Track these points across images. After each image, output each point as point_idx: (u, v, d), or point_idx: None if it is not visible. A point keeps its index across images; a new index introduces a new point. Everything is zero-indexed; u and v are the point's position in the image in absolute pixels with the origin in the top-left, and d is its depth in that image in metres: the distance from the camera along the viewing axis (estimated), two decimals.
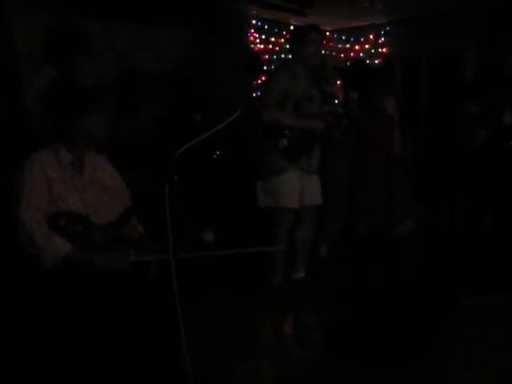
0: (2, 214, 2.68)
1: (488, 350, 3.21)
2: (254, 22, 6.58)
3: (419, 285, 3.65)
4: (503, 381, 2.95)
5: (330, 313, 3.78)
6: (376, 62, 6.93)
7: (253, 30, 6.60)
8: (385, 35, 6.95)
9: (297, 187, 4.12)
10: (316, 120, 4.10)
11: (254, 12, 6.42)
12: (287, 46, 6.55)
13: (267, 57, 6.67)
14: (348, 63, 5.79)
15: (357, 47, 7.15)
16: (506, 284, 4.06)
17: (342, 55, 7.20)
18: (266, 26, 6.68)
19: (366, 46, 7.09)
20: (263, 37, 6.67)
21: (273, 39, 6.72)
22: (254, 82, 6.26)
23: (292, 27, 6.63)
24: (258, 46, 6.63)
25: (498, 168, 4.73)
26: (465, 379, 2.94)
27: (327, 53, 7.11)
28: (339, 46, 7.26)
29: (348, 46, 7.22)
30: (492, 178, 4.78)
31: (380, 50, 6.99)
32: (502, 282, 4.12)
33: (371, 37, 7.05)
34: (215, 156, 5.27)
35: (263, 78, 6.12)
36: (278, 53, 6.63)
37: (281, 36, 6.76)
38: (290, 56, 4.40)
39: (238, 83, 6.05)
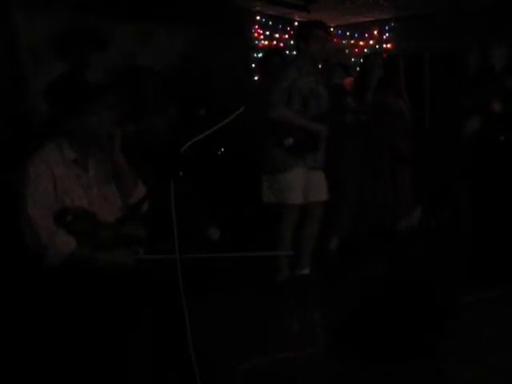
0: (6, 212, 2.69)
1: (488, 348, 3.20)
2: (258, 18, 6.57)
3: (421, 282, 3.64)
4: (504, 379, 2.94)
5: (333, 310, 3.78)
6: None
7: (257, 27, 6.59)
8: (389, 31, 6.92)
9: (302, 184, 4.11)
10: (321, 125, 4.09)
11: (258, 8, 6.41)
12: (291, 42, 6.55)
13: None
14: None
15: (361, 43, 7.12)
16: (507, 280, 4.06)
17: (347, 51, 7.18)
18: (270, 23, 6.66)
19: (371, 42, 7.06)
20: (267, 33, 6.66)
21: (277, 35, 6.71)
22: (256, 78, 6.25)
23: (296, 23, 6.62)
24: (263, 42, 6.62)
25: (489, 163, 4.73)
26: (465, 377, 2.93)
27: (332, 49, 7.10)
28: (343, 41, 7.24)
29: (352, 41, 7.19)
30: (485, 173, 4.78)
31: (384, 45, 6.96)
32: (503, 277, 4.11)
33: (375, 33, 7.02)
34: (220, 152, 5.26)
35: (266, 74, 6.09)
36: (283, 49, 6.62)
37: (285, 32, 6.74)
38: (295, 52, 4.39)
39: (242, 79, 6.05)
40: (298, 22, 6.27)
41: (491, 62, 4.87)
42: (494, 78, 4.81)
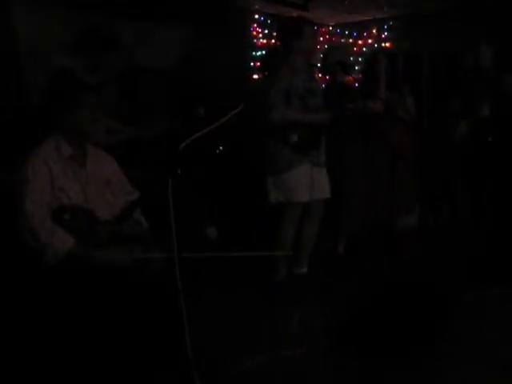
0: (5, 210, 2.68)
1: (489, 348, 3.20)
2: (256, 16, 6.57)
3: (420, 282, 3.64)
4: (504, 378, 2.93)
5: (331, 309, 3.77)
6: None
7: (255, 25, 6.58)
8: (388, 30, 6.92)
9: (307, 181, 4.10)
10: (321, 113, 4.10)
11: (257, 7, 6.40)
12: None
13: None
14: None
15: (360, 42, 7.12)
16: (507, 278, 4.06)
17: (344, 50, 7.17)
18: (269, 21, 6.65)
19: (369, 41, 7.05)
20: (266, 31, 6.65)
21: (275, 34, 6.69)
22: (256, 77, 6.25)
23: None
24: (261, 40, 6.62)
25: (483, 163, 4.75)
26: (465, 377, 2.92)
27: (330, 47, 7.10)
28: (342, 40, 7.23)
29: (351, 40, 7.19)
30: (482, 172, 4.80)
31: (383, 44, 6.95)
32: (503, 276, 4.12)
33: (374, 31, 7.02)
34: (218, 151, 5.26)
35: (266, 73, 6.09)
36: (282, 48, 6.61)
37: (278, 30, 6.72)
38: (287, 51, 4.31)
39: (241, 78, 6.04)
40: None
41: (480, 64, 4.88)
42: (482, 79, 4.82)
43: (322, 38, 7.10)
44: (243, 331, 3.40)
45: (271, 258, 4.25)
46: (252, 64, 6.41)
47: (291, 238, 4.20)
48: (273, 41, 6.67)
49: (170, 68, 5.34)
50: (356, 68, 6.86)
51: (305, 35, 4.08)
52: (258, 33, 6.61)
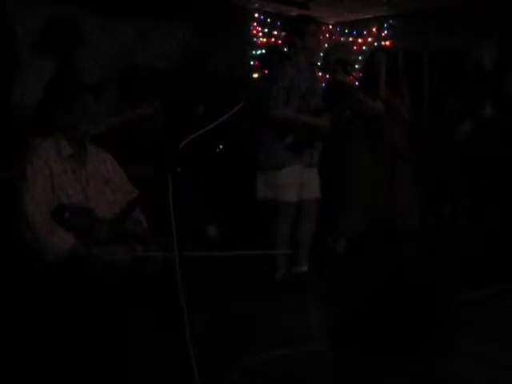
0: (5, 210, 2.68)
1: (489, 347, 3.20)
2: (256, 15, 6.56)
3: (420, 281, 3.63)
4: (505, 377, 2.93)
5: (332, 308, 3.77)
6: None
7: (255, 24, 6.58)
8: (388, 28, 6.92)
9: (297, 181, 4.12)
10: (321, 117, 4.09)
11: (257, 5, 6.40)
12: None
13: None
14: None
15: (360, 40, 7.12)
16: (506, 278, 4.07)
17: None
18: (269, 20, 6.65)
19: (369, 39, 7.05)
20: (266, 30, 6.65)
21: (275, 32, 6.70)
22: (256, 75, 6.25)
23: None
24: (261, 39, 6.62)
25: (479, 164, 4.75)
26: (466, 376, 2.92)
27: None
28: (342, 39, 7.23)
29: (351, 39, 7.19)
30: (482, 173, 4.80)
31: (383, 43, 6.95)
32: (503, 276, 4.12)
33: (374, 30, 7.01)
34: (218, 150, 5.26)
35: (265, 72, 6.10)
36: (281, 46, 6.61)
37: (284, 29, 6.72)
38: (290, 49, 4.31)
39: (241, 77, 6.04)
40: (290, 17, 6.24)
41: (482, 64, 4.88)
42: (483, 79, 4.82)
43: (322, 37, 7.10)
44: (243, 331, 3.40)
45: (271, 257, 4.26)
46: (252, 63, 6.41)
47: (287, 237, 4.20)
48: (273, 39, 6.67)
49: (170, 68, 5.34)
50: (356, 67, 6.86)
51: (308, 33, 4.08)
52: (258, 31, 6.61)
